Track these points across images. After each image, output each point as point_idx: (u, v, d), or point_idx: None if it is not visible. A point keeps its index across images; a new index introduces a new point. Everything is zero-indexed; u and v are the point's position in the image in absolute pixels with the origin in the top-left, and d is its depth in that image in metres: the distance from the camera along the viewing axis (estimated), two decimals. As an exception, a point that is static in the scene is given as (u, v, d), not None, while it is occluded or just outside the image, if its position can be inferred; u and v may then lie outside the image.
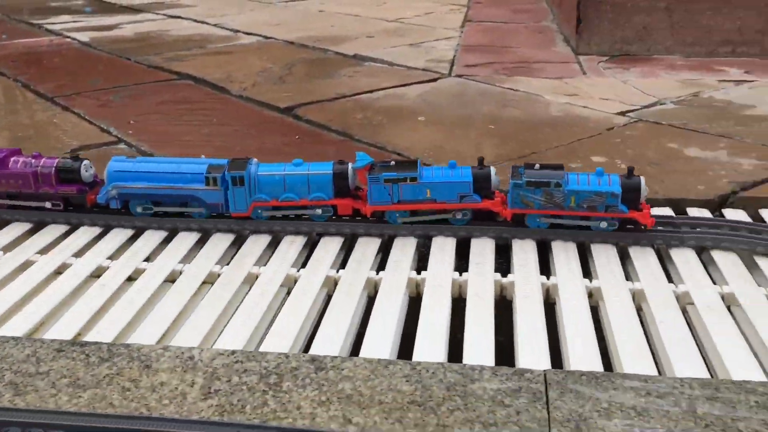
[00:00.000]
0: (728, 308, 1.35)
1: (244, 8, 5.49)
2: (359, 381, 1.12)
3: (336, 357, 1.19)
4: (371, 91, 2.92)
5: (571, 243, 1.59)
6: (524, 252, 1.56)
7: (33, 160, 1.75)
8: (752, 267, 1.50)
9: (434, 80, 3.10)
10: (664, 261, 1.54)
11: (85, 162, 1.77)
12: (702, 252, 1.56)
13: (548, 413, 1.04)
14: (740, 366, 1.18)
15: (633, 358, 1.21)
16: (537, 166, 1.58)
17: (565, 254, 1.55)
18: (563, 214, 1.58)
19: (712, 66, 3.26)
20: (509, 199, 1.60)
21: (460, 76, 3.17)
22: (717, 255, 1.53)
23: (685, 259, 1.52)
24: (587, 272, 1.51)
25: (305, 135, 2.42)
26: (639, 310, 1.37)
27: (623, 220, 1.56)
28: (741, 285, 1.42)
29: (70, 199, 1.76)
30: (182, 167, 1.70)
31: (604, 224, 1.56)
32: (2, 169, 1.74)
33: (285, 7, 5.58)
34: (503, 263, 1.56)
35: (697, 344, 1.25)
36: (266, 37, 4.21)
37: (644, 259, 1.52)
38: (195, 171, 1.69)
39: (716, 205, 1.76)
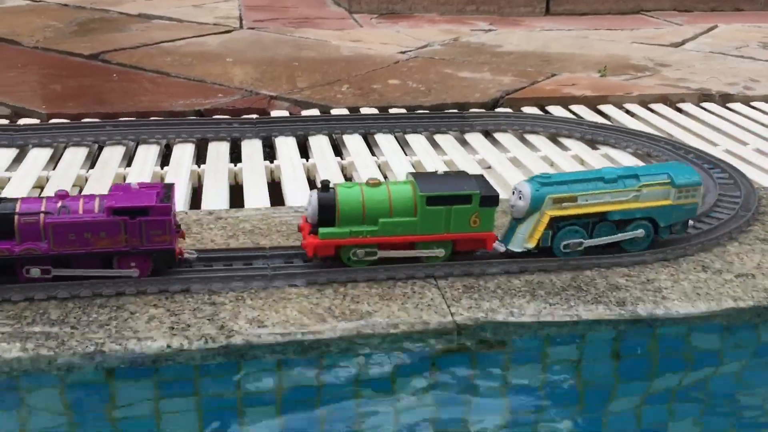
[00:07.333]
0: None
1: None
2: (255, 221, 1.38)
3: (228, 209, 1.44)
4: (171, 41, 3.06)
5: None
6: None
7: None
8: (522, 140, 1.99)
9: (229, 32, 3.31)
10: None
11: None
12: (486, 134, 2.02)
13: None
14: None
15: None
16: None
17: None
18: None
19: (463, 20, 3.84)
20: None
21: (252, 28, 3.41)
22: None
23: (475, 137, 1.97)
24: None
25: (121, 74, 2.52)
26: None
27: None
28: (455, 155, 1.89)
29: None
30: None
31: None
32: None
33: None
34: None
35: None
36: (36, 0, 4.08)
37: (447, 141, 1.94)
38: None
39: (490, 106, 2.24)
